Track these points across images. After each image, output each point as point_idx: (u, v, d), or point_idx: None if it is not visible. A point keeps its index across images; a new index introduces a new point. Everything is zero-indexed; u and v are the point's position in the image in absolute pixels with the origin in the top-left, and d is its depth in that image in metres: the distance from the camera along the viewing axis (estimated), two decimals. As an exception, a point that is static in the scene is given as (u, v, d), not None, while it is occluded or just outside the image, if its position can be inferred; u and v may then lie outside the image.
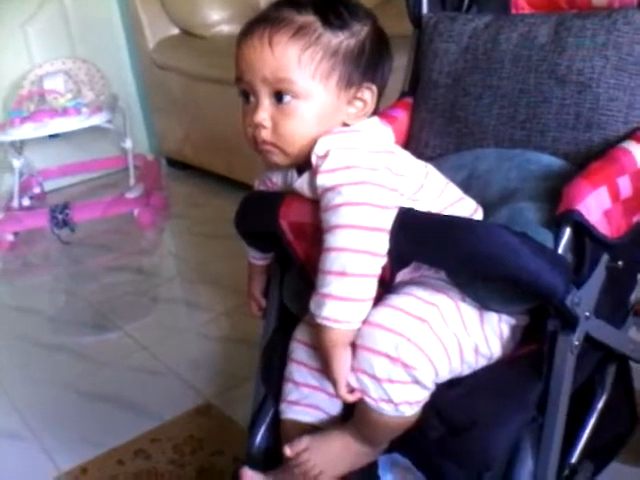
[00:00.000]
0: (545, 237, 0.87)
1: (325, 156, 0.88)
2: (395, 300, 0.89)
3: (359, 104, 0.95)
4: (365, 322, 0.87)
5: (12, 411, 1.76)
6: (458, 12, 1.27)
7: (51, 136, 2.71)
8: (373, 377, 0.87)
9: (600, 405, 1.05)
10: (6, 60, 3.15)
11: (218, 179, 3.07)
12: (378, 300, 0.89)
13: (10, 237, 2.79)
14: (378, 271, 0.85)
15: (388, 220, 0.85)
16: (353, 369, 0.88)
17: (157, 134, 3.52)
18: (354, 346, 0.88)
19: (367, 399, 0.89)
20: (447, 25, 1.23)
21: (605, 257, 0.89)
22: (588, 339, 0.91)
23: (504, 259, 0.80)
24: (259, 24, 0.91)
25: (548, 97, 1.08)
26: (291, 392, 1.03)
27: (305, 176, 0.92)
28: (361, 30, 0.93)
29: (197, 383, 1.74)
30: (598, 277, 0.89)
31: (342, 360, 0.87)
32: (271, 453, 1.06)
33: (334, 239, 0.85)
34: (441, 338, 0.88)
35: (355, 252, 0.84)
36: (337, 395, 0.90)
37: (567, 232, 0.86)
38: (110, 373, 1.87)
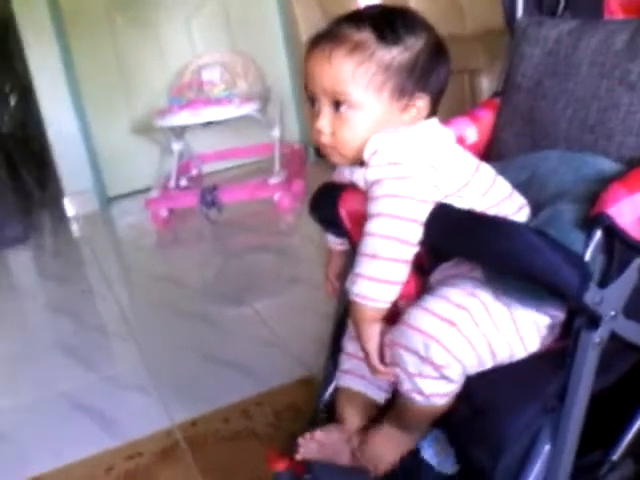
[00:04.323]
0: (576, 237, 0.91)
1: (374, 153, 0.98)
2: (428, 302, 0.96)
3: (413, 111, 1.03)
4: (400, 322, 0.96)
5: (143, 368, 2.00)
6: (552, 17, 1.30)
7: (205, 123, 2.96)
8: (405, 371, 0.96)
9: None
10: (173, 50, 3.46)
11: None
12: (417, 284, 0.98)
13: (165, 213, 3.08)
14: (408, 257, 0.94)
15: (423, 213, 0.94)
16: (389, 363, 0.98)
17: (308, 125, 3.70)
18: (391, 343, 0.97)
19: (401, 390, 0.98)
20: (534, 29, 1.27)
21: (637, 260, 0.92)
22: (619, 339, 0.95)
23: (521, 255, 0.86)
24: (322, 39, 1.01)
25: (617, 103, 1.10)
26: (344, 362, 1.15)
27: (361, 171, 1.02)
28: (415, 43, 1.01)
29: (306, 357, 1.88)
30: (628, 279, 0.91)
31: (370, 334, 0.97)
32: (331, 416, 1.18)
33: (371, 225, 0.95)
34: (470, 339, 0.94)
35: (387, 238, 0.93)
36: (369, 365, 1.00)
37: (597, 234, 0.90)
38: (232, 341, 2.06)
